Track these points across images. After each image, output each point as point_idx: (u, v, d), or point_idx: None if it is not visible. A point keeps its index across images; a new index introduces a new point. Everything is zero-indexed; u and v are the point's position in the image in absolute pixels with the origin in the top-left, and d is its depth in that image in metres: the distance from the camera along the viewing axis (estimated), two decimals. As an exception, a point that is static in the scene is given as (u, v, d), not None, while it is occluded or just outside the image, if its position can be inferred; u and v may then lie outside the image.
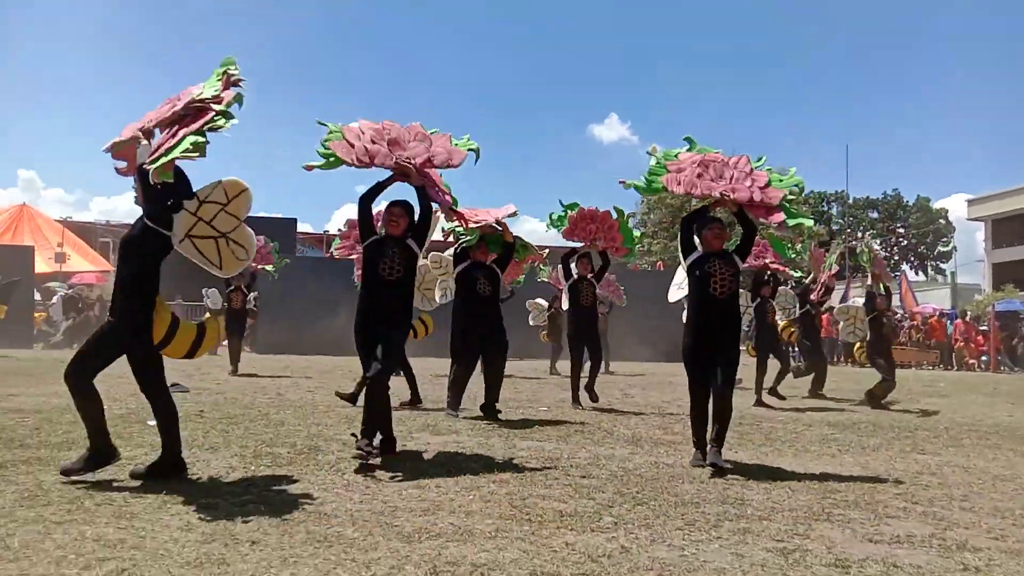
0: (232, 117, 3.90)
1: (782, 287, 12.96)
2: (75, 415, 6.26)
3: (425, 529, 3.28)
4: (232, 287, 11.68)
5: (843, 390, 11.88)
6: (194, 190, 4.16)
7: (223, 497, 3.72)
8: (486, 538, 3.18)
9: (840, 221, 52.77)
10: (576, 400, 8.39)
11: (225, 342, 12.61)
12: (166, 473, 4.05)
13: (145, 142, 4.06)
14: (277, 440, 5.37)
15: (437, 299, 9.49)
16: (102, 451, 4.04)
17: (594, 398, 8.42)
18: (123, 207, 62.78)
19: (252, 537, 3.07)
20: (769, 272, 9.70)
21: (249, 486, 3.98)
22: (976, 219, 40.50)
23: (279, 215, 28.70)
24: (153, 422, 5.96)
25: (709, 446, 4.88)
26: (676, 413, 8.01)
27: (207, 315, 4.85)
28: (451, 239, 7.74)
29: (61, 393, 7.19)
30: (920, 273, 55.22)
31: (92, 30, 77.50)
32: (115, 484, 3.90)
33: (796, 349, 14.09)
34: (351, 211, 59.55)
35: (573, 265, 8.52)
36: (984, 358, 22.80)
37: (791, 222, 5.12)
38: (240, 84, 4.08)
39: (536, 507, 3.71)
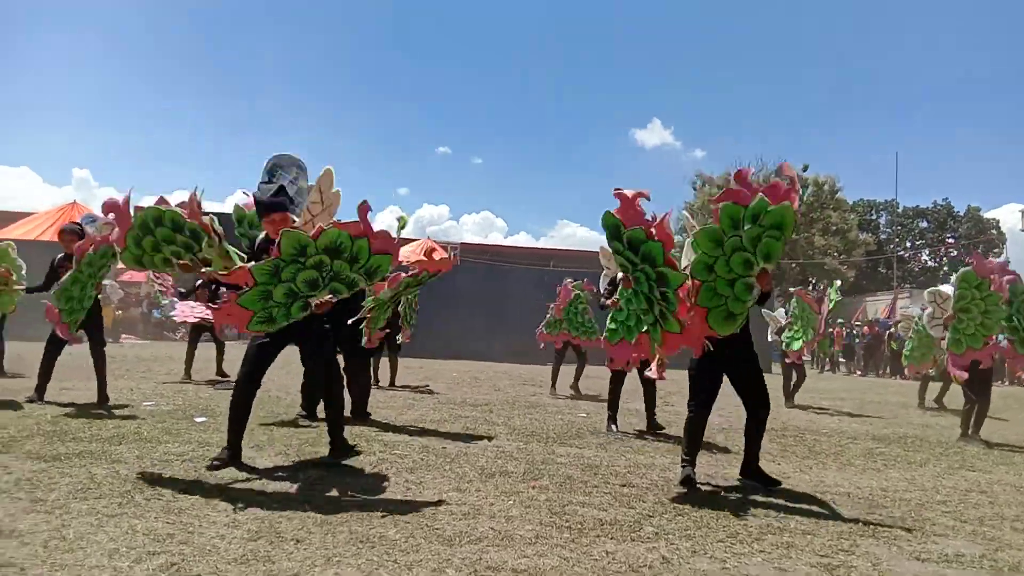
0: None
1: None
2: (125, 409, 6.43)
3: (466, 533, 3.29)
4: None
5: (888, 403, 11.64)
6: None
7: (268, 495, 3.78)
8: (526, 544, 3.19)
9: (888, 230, 51.71)
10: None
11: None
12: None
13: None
14: (320, 440, 5.43)
15: None
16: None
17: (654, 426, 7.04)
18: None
19: (296, 535, 3.12)
20: None
21: (293, 485, 4.04)
22: (1030, 230, 39.27)
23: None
24: (201, 419, 6.10)
25: (749, 466, 4.73)
26: (718, 424, 7.93)
27: None
28: None
29: (113, 388, 7.39)
30: (970, 284, 53.58)
31: (142, 37, 79.45)
32: (163, 479, 3.98)
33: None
34: (390, 215, 59.96)
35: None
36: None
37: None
38: None
39: (576, 514, 3.71)
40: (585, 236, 72.00)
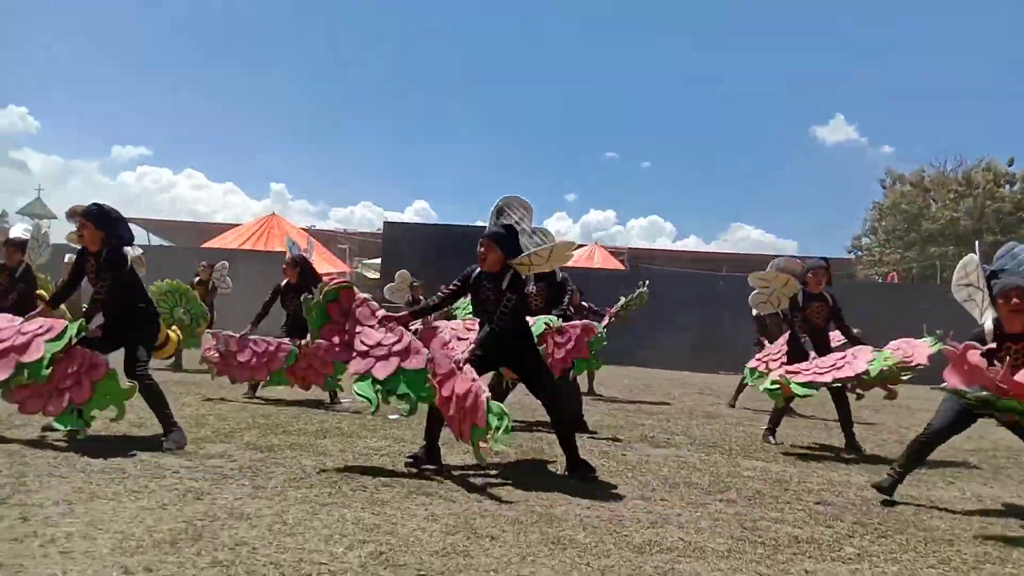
0: None
1: None
2: (327, 408, 6.92)
3: (655, 542, 3.28)
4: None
5: None
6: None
7: (460, 491, 3.95)
8: (719, 557, 3.12)
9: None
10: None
11: None
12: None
13: None
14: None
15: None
16: None
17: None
18: (357, 215, 68.27)
19: (491, 533, 3.24)
20: None
21: (482, 483, 4.19)
22: None
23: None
24: (394, 417, 6.46)
25: None
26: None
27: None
28: None
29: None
30: None
31: (331, 62, 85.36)
32: (365, 472, 4.26)
33: None
34: (558, 222, 60.53)
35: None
36: None
37: None
38: None
39: (768, 530, 3.59)
40: (759, 239, 69.10)
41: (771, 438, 6.51)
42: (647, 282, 10.78)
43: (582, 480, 4.43)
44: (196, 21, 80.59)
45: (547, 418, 5.03)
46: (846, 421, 6.44)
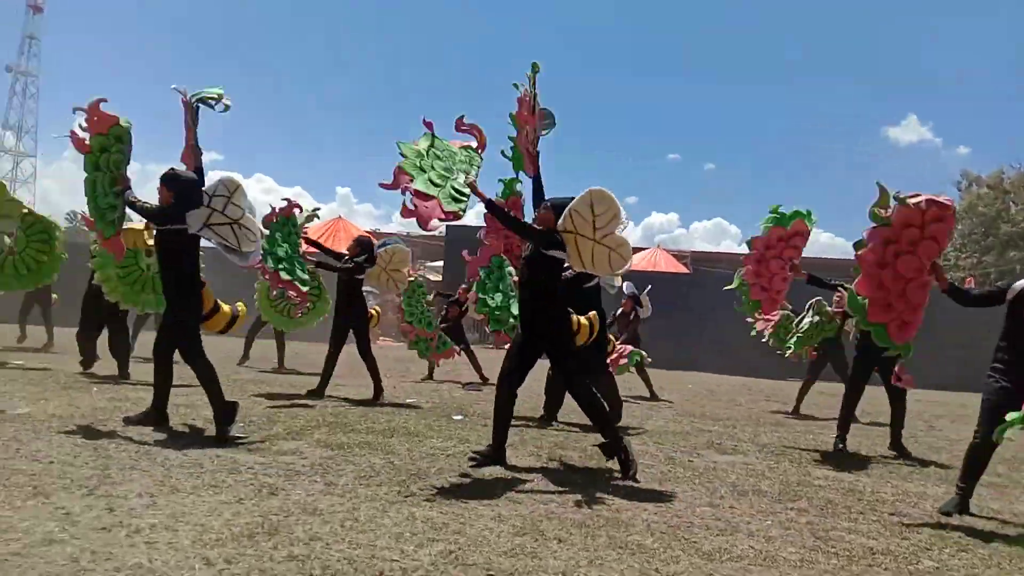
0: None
1: None
2: (394, 407, 7.03)
3: (725, 549, 3.23)
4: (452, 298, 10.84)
5: None
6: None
7: (527, 494, 3.96)
8: (791, 567, 3.07)
9: None
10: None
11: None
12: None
13: None
14: (567, 444, 5.60)
15: None
16: None
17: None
18: (418, 219, 69.36)
19: (558, 535, 3.25)
20: None
21: (547, 485, 4.20)
22: None
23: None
24: (458, 417, 6.53)
25: None
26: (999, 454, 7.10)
27: None
28: None
29: (371, 385, 8.12)
30: None
31: (399, 71, 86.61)
32: (432, 472, 4.32)
33: None
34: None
35: None
36: None
37: None
38: None
39: (842, 541, 3.50)
40: (828, 242, 67.53)
41: (841, 446, 6.35)
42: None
43: (623, 477, 4.49)
44: (263, 29, 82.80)
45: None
46: (898, 421, 6.40)
